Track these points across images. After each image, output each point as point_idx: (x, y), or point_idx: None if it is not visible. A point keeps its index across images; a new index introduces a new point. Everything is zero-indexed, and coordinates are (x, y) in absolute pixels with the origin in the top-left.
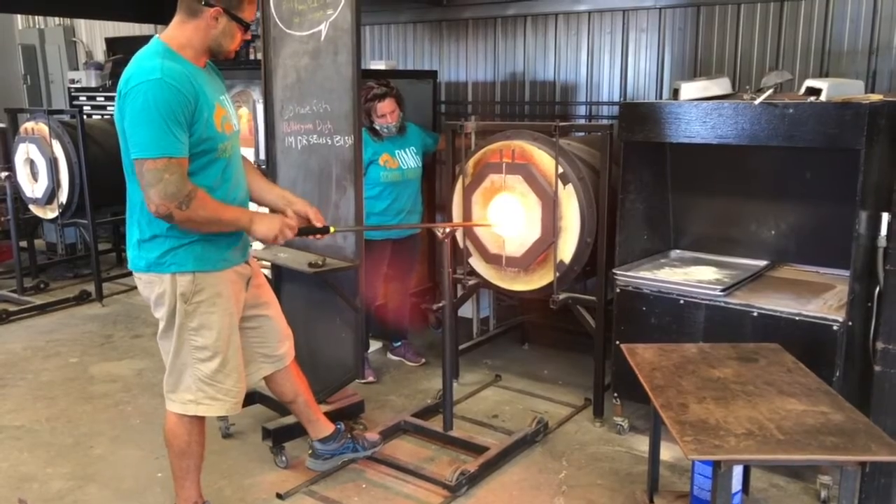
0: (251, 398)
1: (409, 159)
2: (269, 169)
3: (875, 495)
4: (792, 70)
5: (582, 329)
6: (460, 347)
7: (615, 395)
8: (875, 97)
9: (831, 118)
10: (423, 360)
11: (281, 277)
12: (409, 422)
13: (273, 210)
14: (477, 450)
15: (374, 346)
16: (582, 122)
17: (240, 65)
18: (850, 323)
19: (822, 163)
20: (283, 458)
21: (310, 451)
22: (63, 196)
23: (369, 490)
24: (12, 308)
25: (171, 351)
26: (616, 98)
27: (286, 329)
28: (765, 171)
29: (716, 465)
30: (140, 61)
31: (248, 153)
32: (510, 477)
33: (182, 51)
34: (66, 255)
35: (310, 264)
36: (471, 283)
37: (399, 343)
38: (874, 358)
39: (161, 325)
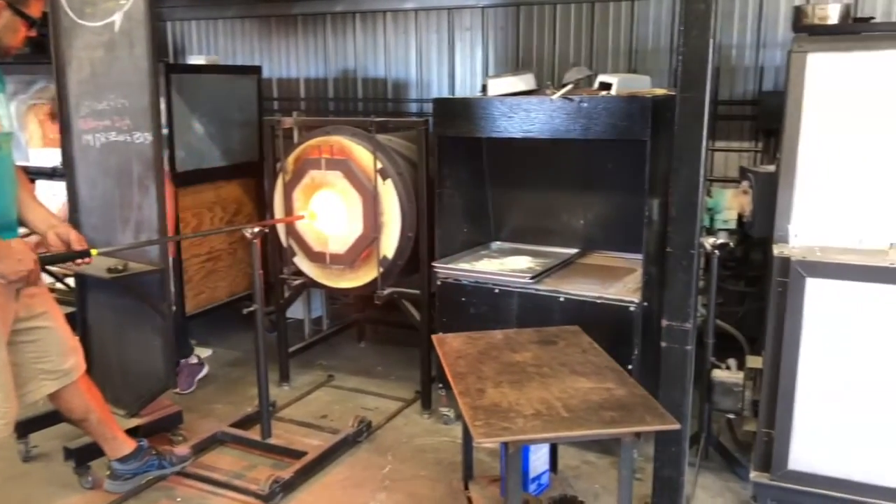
0: (55, 417)
1: None
2: (65, 169)
3: (669, 464)
4: (605, 67)
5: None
6: (291, 349)
7: (440, 385)
8: (660, 91)
9: (620, 111)
10: None
11: (85, 285)
12: (226, 432)
13: (32, 231)
14: (296, 455)
15: (205, 353)
16: (414, 119)
17: (42, 58)
18: (645, 304)
19: (623, 154)
20: (89, 479)
21: (108, 473)
22: None
23: None
24: None
25: None
26: (445, 95)
27: (71, 341)
28: (573, 164)
29: (506, 447)
30: None
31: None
32: (334, 477)
33: None
34: None
35: (108, 270)
36: (296, 283)
37: None
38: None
39: None
